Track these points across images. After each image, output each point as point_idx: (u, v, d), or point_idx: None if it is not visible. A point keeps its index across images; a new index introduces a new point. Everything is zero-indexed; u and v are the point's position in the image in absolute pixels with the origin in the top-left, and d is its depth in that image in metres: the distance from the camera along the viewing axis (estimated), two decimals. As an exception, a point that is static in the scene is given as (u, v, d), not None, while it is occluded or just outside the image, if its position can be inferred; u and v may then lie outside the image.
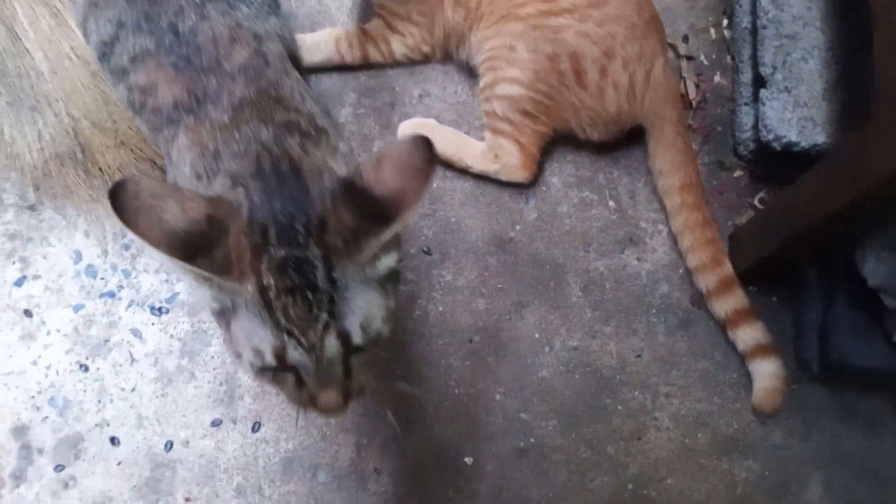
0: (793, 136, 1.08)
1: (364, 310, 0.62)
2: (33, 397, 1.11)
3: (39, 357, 1.13)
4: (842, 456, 1.10)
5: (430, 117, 1.24)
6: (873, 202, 0.77)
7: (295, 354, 0.60)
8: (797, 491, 1.09)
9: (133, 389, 1.12)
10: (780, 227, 0.97)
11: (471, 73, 1.23)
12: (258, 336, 0.60)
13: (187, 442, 1.10)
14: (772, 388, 1.06)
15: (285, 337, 0.59)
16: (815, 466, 1.10)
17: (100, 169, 1.15)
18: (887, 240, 0.88)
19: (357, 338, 0.61)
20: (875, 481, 1.10)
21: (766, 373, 1.07)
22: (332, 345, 0.61)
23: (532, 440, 1.10)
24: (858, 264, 0.90)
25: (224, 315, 0.62)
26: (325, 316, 0.60)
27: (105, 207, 1.18)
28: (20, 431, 1.09)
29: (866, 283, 0.92)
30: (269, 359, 0.60)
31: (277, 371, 0.62)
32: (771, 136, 1.09)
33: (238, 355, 0.63)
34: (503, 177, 1.19)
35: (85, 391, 1.12)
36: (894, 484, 1.10)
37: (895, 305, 0.90)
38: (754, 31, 1.18)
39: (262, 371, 0.63)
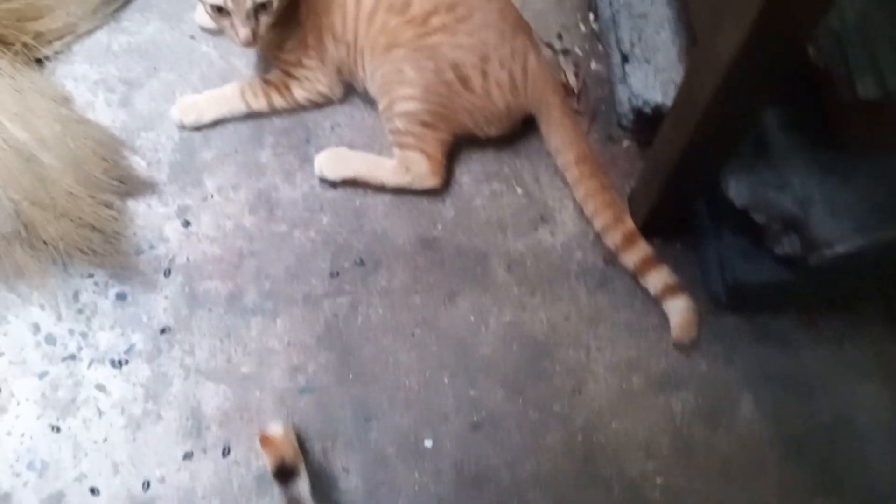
0: (658, 98, 1.21)
1: None
2: (12, 465, 1.16)
3: (13, 427, 1.18)
4: (764, 373, 1.20)
5: (342, 145, 1.36)
6: (708, 130, 0.89)
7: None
8: (731, 412, 1.18)
9: (105, 440, 1.18)
10: (654, 178, 1.09)
11: (373, 101, 1.35)
12: None
13: (163, 478, 1.16)
14: (685, 321, 1.17)
15: None
16: (743, 387, 1.19)
17: (44, 242, 1.23)
18: (742, 162, 1.00)
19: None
20: (799, 391, 1.20)
21: (678, 308, 1.17)
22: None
23: (484, 413, 1.19)
24: (724, 190, 1.02)
25: None
26: None
27: (55, 281, 1.27)
28: (4, 499, 1.14)
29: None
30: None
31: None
32: (640, 102, 1.22)
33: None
34: (417, 186, 1.30)
35: (60, 450, 1.17)
36: (816, 391, 1.20)
37: (764, 220, 1.01)
38: (614, 18, 1.32)
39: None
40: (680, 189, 1.09)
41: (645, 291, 1.22)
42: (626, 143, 1.36)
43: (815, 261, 0.99)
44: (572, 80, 1.40)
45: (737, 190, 1.00)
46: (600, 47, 1.43)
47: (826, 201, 0.97)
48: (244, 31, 1.18)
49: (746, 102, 0.85)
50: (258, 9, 1.18)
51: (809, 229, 0.97)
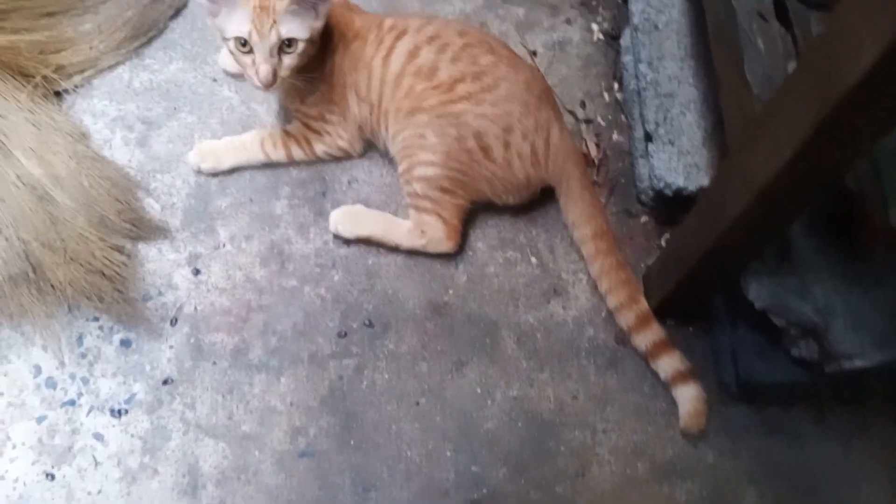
0: (680, 182, 1.20)
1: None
2: (2, 512, 1.15)
3: (6, 471, 1.16)
4: (771, 468, 1.19)
5: (359, 201, 1.35)
6: (734, 238, 0.88)
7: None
8: (735, 506, 1.17)
9: (99, 492, 1.16)
10: (673, 266, 1.08)
11: (392, 158, 1.34)
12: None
13: (156, 536, 1.14)
14: (694, 410, 1.15)
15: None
16: (749, 481, 1.18)
17: (52, 286, 1.22)
18: (765, 266, 0.99)
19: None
20: (805, 488, 1.18)
21: (688, 397, 1.16)
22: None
23: (485, 490, 1.17)
24: (744, 290, 1.01)
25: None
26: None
27: (59, 322, 1.25)
28: (-9, 548, 1.13)
29: (757, 306, 1.03)
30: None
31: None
32: (662, 184, 1.21)
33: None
34: (431, 249, 1.29)
35: (53, 499, 1.15)
36: (822, 489, 1.18)
37: (784, 324, 1.00)
38: (639, 90, 1.32)
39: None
40: (699, 281, 1.07)
41: (655, 375, 1.21)
42: (644, 218, 1.35)
43: (832, 370, 0.98)
44: (593, 150, 1.39)
45: (757, 293, 0.99)
46: (623, 118, 1.43)
47: (847, 313, 0.96)
48: (265, 68, 1.15)
49: (776, 220, 0.84)
50: (282, 46, 1.16)
51: (829, 340, 0.96)
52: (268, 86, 1.18)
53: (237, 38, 1.15)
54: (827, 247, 0.99)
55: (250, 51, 1.16)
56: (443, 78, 1.23)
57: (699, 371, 1.19)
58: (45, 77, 1.40)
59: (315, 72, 1.25)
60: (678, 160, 1.21)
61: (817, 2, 0.89)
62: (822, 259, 0.99)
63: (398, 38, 1.26)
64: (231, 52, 1.20)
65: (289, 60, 1.18)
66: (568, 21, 1.53)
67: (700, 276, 1.05)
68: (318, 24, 1.19)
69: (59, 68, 1.43)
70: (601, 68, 1.48)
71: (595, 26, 1.52)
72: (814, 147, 0.67)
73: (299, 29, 1.16)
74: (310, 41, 1.18)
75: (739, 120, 0.86)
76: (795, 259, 0.99)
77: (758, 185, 0.76)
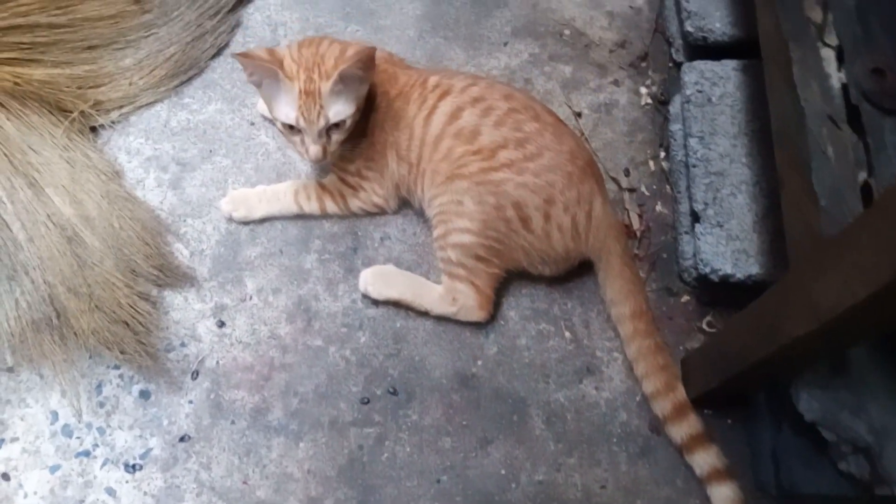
0: (728, 269, 1.14)
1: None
2: (9, 565, 1.12)
3: (16, 522, 1.14)
4: (808, 577, 1.12)
5: (390, 259, 1.31)
6: (789, 353, 0.83)
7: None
8: None
9: (108, 551, 1.13)
10: (718, 362, 1.03)
11: (427, 217, 1.30)
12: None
13: None
14: (730, 514, 1.09)
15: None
16: (783, 590, 1.11)
17: (74, 333, 1.20)
18: (817, 378, 0.93)
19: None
20: None
21: (723, 498, 1.10)
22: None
23: (503, 579, 1.12)
24: (794, 400, 0.95)
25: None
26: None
27: (79, 369, 1.23)
28: None
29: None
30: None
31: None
32: (708, 269, 1.16)
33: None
34: (462, 317, 1.24)
35: (60, 555, 1.13)
36: None
37: (833, 438, 0.94)
38: (688, 164, 1.26)
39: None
40: (744, 382, 1.02)
41: (689, 468, 1.15)
42: (685, 297, 1.29)
43: (883, 493, 0.92)
44: (636, 222, 1.34)
45: (808, 405, 0.93)
46: (668, 189, 1.38)
47: (905, 437, 0.90)
48: (315, 149, 1.16)
49: (839, 344, 0.79)
50: (331, 127, 1.15)
51: (882, 463, 0.90)
52: (318, 162, 1.20)
53: (284, 124, 1.15)
54: (886, 362, 0.93)
55: (299, 131, 1.15)
56: (484, 143, 1.19)
57: (736, 469, 1.13)
58: (82, 112, 1.39)
59: (356, 129, 1.22)
60: (726, 245, 1.16)
61: (894, 108, 0.84)
62: (881, 375, 0.93)
63: (441, 97, 1.22)
64: (278, 130, 1.20)
65: (337, 136, 1.18)
66: (615, 82, 1.49)
67: (746, 378, 0.99)
68: (364, 87, 1.17)
69: (96, 103, 1.42)
70: (648, 135, 1.43)
71: (644, 90, 1.47)
72: (893, 292, 0.61)
73: (346, 106, 1.15)
74: (357, 110, 1.16)
75: (803, 233, 0.81)
76: (851, 372, 0.93)
77: (823, 315, 0.70)
